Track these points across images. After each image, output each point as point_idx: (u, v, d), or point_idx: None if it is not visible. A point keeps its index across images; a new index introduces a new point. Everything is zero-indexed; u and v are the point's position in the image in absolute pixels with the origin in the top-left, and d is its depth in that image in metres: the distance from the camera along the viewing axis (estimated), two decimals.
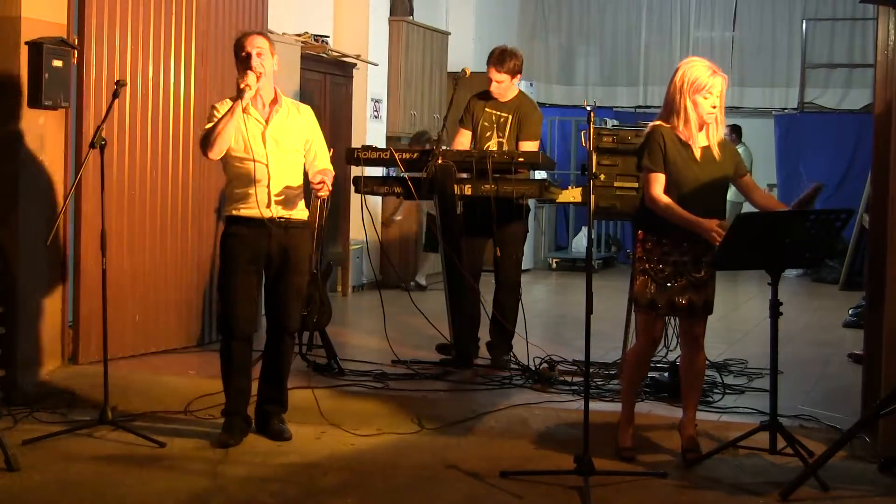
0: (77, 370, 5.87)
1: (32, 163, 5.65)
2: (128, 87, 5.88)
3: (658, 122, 4.59)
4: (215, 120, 4.77)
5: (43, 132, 5.70)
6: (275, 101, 4.91)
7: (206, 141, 4.76)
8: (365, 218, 6.00)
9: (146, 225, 6.28)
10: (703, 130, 4.55)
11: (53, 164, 5.78)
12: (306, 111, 5.02)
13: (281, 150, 4.85)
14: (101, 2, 5.95)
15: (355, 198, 6.67)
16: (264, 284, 5.00)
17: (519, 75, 6.25)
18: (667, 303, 4.58)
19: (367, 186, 6.09)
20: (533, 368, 5.96)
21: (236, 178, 4.86)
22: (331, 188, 4.84)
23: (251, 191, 4.80)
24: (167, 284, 6.42)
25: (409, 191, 5.93)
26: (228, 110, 4.74)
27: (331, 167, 5.02)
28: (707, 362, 6.00)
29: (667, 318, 4.82)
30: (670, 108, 4.55)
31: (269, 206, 4.81)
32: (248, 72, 4.73)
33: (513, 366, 6.13)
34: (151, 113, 6.27)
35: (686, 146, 4.52)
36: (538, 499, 4.20)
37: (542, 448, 4.89)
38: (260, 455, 4.75)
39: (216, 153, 4.76)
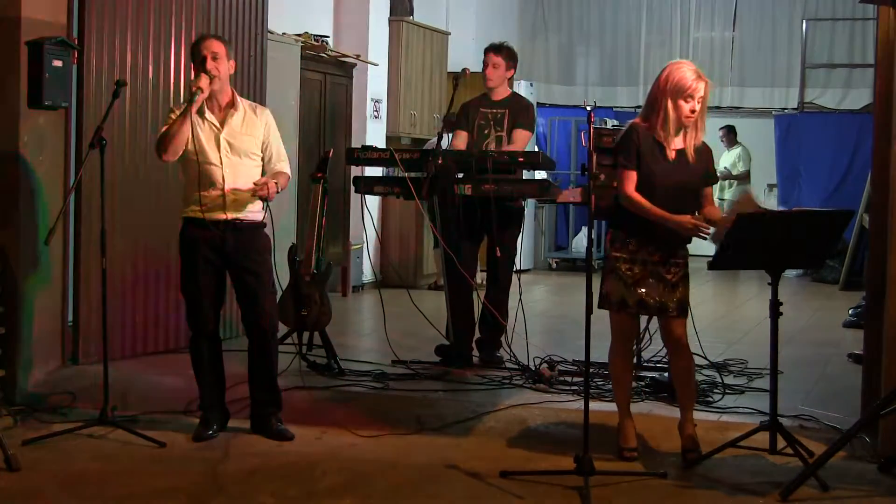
0: (77, 370, 5.87)
1: (32, 163, 5.64)
2: (128, 87, 5.88)
3: (635, 121, 4.62)
4: (171, 122, 4.85)
5: (43, 132, 5.70)
6: (231, 104, 4.95)
7: (160, 143, 4.85)
8: (365, 218, 6.00)
9: (146, 225, 6.28)
10: (681, 133, 4.57)
11: (53, 164, 5.77)
12: (264, 113, 5.05)
13: (235, 154, 4.90)
14: (101, 2, 5.95)
15: (355, 197, 6.67)
16: (234, 289, 5.03)
17: (513, 70, 6.43)
18: (636, 302, 4.58)
19: (366, 186, 6.10)
20: (533, 368, 5.96)
21: (192, 180, 4.91)
22: (279, 190, 4.90)
23: (205, 193, 4.86)
24: (167, 284, 6.41)
25: (409, 191, 5.94)
26: (181, 113, 4.80)
27: (287, 170, 5.06)
28: (707, 362, 6.03)
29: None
30: (651, 107, 4.57)
31: (223, 208, 4.87)
32: (202, 74, 4.80)
33: (513, 366, 6.13)
34: (151, 113, 6.27)
35: (661, 146, 4.54)
36: (538, 499, 4.19)
37: (542, 448, 4.88)
38: (260, 455, 4.74)
39: (170, 155, 4.83)
